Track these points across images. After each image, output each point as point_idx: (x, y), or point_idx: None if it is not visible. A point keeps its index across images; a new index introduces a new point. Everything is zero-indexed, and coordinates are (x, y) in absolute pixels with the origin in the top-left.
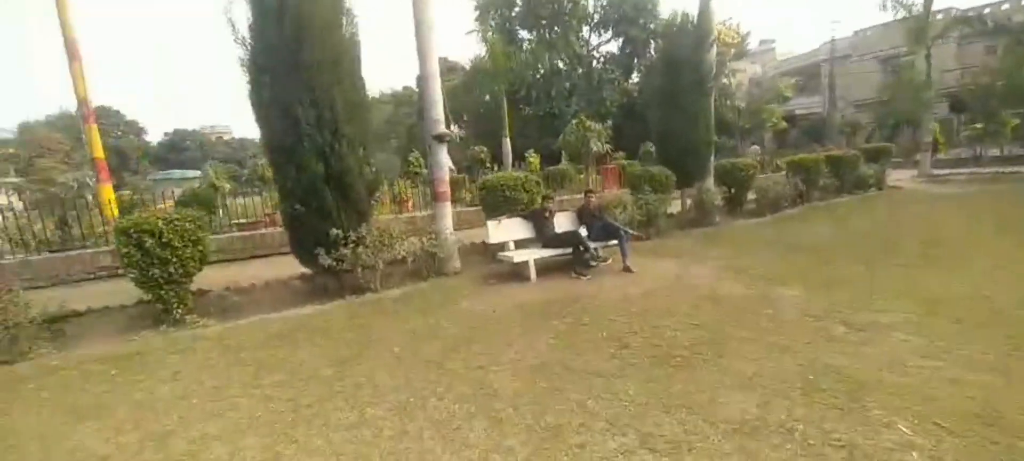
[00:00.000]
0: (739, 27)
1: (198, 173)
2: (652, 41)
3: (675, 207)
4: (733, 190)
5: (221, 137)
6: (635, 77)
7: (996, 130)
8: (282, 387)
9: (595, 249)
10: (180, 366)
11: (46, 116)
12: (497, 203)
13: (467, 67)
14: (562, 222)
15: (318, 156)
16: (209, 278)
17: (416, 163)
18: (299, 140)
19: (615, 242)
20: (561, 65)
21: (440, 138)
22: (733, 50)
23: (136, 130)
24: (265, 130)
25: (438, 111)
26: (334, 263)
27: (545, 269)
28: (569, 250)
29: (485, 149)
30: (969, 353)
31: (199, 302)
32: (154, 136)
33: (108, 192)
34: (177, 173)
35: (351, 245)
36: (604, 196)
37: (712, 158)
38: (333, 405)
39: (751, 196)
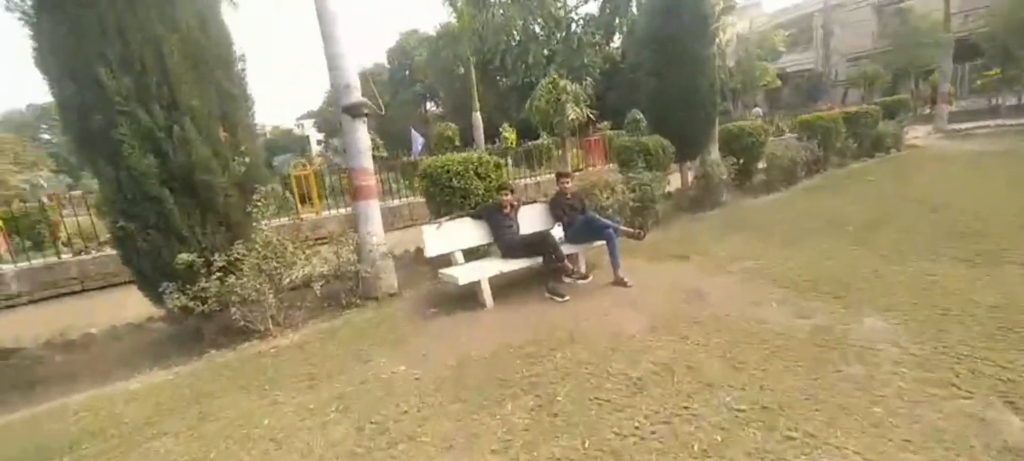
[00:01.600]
0: None
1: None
2: None
3: (672, 182)
4: (742, 160)
5: None
6: (617, 41)
7: (1016, 75)
8: None
9: (573, 258)
10: None
11: None
12: (443, 197)
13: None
14: (531, 218)
15: (145, 143)
16: (41, 324)
17: (373, 145)
18: (110, 120)
19: (602, 242)
20: (538, 30)
21: (353, 111)
22: (722, 3)
23: None
24: (61, 108)
25: (349, 73)
26: (192, 303)
27: (509, 286)
28: (540, 258)
29: (453, 126)
30: None
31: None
32: None
33: None
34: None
35: (217, 273)
36: (589, 176)
37: (717, 123)
38: None
39: (759, 166)
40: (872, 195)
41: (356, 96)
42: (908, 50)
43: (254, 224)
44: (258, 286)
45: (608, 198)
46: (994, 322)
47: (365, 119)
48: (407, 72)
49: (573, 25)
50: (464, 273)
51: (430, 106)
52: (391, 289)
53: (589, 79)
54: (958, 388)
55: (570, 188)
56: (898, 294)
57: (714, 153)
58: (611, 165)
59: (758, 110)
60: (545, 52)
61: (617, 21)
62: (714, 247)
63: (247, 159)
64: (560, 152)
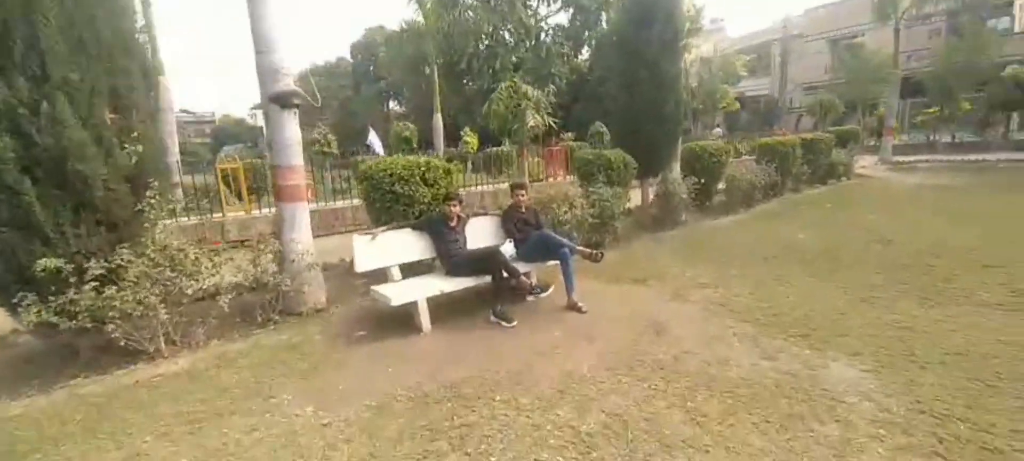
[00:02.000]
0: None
1: None
2: (603, 12)
3: (633, 198)
4: (702, 180)
5: None
6: (585, 53)
7: (951, 114)
8: None
9: (527, 275)
10: None
11: None
12: (384, 203)
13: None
14: (480, 232)
15: (1, 122)
16: None
17: (323, 139)
18: None
19: (556, 262)
20: (508, 36)
21: (282, 100)
22: (688, 24)
23: None
24: None
25: (278, 57)
26: (56, 319)
27: (451, 307)
28: (488, 277)
29: (411, 126)
30: None
31: None
32: None
33: None
34: None
35: (92, 283)
36: (547, 188)
37: (680, 140)
38: None
39: (719, 186)
40: (828, 223)
41: (286, 83)
42: (859, 84)
43: (146, 225)
44: (144, 299)
45: (566, 213)
46: (963, 371)
47: (296, 110)
48: (371, 68)
49: (543, 34)
50: (398, 292)
51: (393, 105)
52: (318, 304)
53: (552, 86)
54: (945, 460)
55: (525, 201)
56: (862, 334)
57: (676, 171)
58: (572, 177)
59: (719, 130)
60: (513, 59)
61: (586, 34)
62: (673, 271)
63: (140, 147)
64: (520, 160)
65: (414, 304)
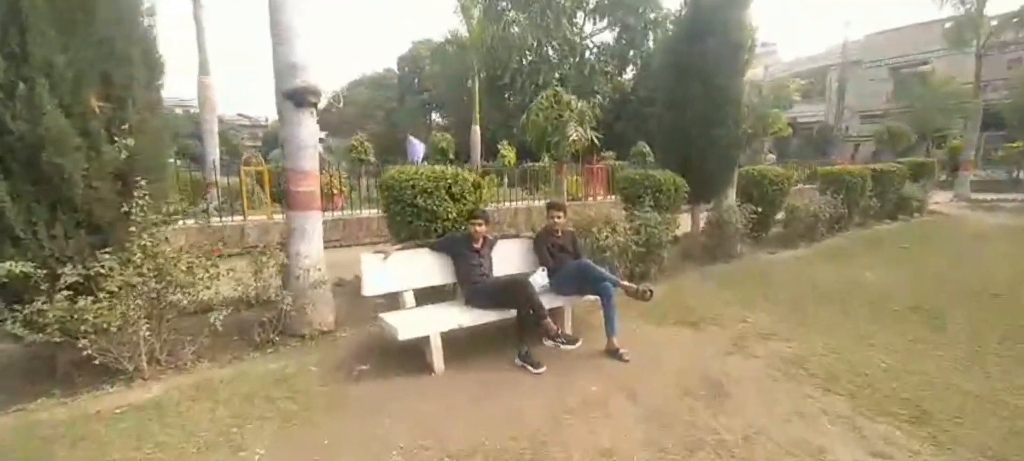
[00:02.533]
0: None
1: None
2: (650, 32)
3: (682, 224)
4: (760, 209)
5: None
6: (629, 73)
7: None
8: None
9: (560, 310)
10: None
11: None
12: (405, 217)
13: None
14: (508, 257)
15: None
16: None
17: (359, 146)
18: None
19: (595, 297)
20: (551, 52)
21: (298, 97)
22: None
23: None
24: None
25: (296, 51)
26: (22, 331)
27: (470, 345)
28: (513, 310)
29: (448, 136)
30: None
31: None
32: None
33: None
34: None
35: (65, 291)
36: (586, 209)
37: (737, 164)
38: None
39: (777, 217)
40: (911, 266)
41: (303, 79)
42: (925, 113)
43: (132, 229)
44: (125, 313)
45: (607, 238)
46: None
47: (313, 110)
48: (416, 80)
49: (587, 52)
50: (407, 323)
51: (435, 117)
52: (324, 326)
53: (598, 97)
54: None
55: (561, 224)
56: (996, 426)
57: (731, 197)
58: (612, 197)
59: (772, 156)
60: (557, 75)
61: (631, 53)
62: (730, 313)
63: (131, 141)
64: (558, 176)
65: (426, 339)
